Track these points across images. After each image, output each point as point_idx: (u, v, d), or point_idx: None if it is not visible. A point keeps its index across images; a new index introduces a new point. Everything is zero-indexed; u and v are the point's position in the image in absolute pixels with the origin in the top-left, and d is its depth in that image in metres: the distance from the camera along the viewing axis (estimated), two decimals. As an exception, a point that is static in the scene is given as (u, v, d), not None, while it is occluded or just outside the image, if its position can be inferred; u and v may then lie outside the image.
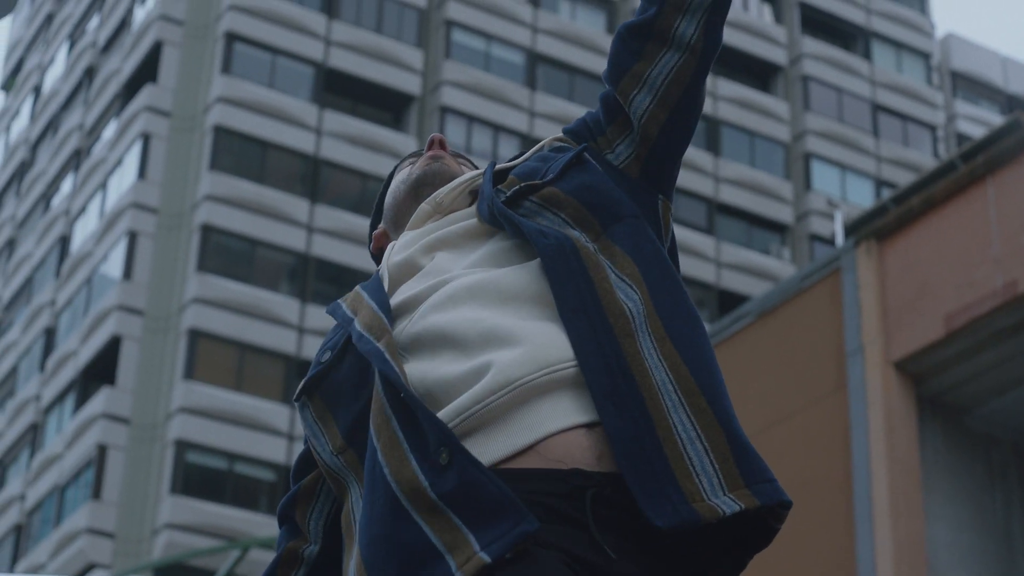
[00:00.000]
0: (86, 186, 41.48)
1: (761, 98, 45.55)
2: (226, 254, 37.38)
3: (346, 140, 39.49)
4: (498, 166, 2.45)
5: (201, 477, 35.17)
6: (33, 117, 48.04)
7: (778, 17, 47.80)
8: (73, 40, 46.85)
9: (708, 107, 44.19)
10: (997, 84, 51.65)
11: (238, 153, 38.39)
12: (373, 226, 2.65)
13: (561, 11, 44.43)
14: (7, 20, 54.29)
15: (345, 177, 39.38)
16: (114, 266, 38.09)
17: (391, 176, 2.63)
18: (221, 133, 38.31)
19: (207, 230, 37.24)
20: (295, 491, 2.40)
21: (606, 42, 42.20)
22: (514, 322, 2.14)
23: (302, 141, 39.02)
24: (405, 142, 39.84)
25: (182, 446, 35.02)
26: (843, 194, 45.04)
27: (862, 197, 44.94)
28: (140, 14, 41.92)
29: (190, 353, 35.90)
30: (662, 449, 2.04)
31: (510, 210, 2.30)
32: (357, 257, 37.82)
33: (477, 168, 2.61)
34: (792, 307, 12.86)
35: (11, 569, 37.73)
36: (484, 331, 2.14)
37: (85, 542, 34.52)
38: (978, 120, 49.72)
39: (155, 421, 35.79)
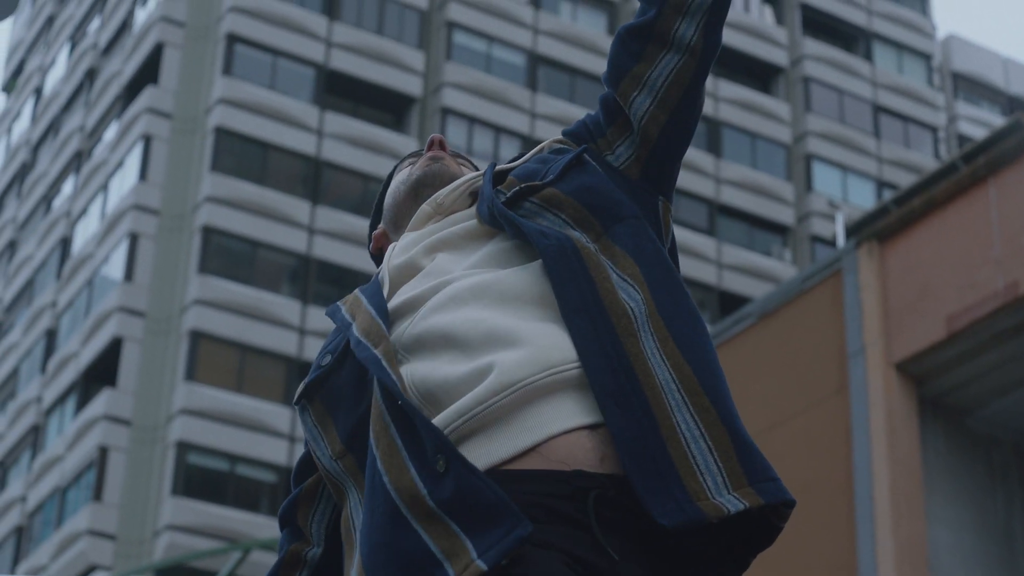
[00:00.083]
0: (87, 188, 41.49)
1: (762, 99, 45.55)
2: (227, 255, 37.39)
3: (347, 142, 39.50)
4: (498, 167, 2.45)
5: (202, 479, 35.16)
6: (34, 119, 48.05)
7: (779, 18, 47.81)
8: (74, 42, 46.87)
9: (709, 108, 44.18)
10: (998, 85, 51.64)
11: (239, 155, 38.40)
12: (373, 226, 2.65)
13: (562, 12, 44.44)
14: (8, 22, 54.30)
15: (346, 178, 39.39)
16: (115, 268, 38.09)
17: (391, 176, 2.62)
18: (222, 135, 38.32)
19: (208, 231, 37.25)
20: (296, 494, 2.40)
21: (607, 43, 42.19)
22: (516, 323, 2.14)
23: (303, 143, 39.03)
24: (406, 143, 39.84)
25: (183, 447, 35.02)
26: (844, 195, 45.04)
27: (863, 198, 44.93)
28: (141, 16, 41.92)
29: (191, 355, 35.90)
30: (666, 448, 2.04)
31: (510, 211, 2.30)
32: (358, 258, 37.82)
33: (477, 168, 2.61)
34: (793, 308, 12.86)
35: (12, 571, 37.72)
36: (486, 332, 2.14)
37: (86, 544, 34.52)
38: (979, 121, 49.71)
39: (156, 423, 35.79)
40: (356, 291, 2.35)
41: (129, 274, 37.31)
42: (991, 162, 11.56)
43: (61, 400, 39.08)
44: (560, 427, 2.06)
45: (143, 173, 38.39)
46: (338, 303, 2.36)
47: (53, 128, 46.13)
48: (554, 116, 41.79)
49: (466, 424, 2.06)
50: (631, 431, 2.04)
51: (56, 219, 42.80)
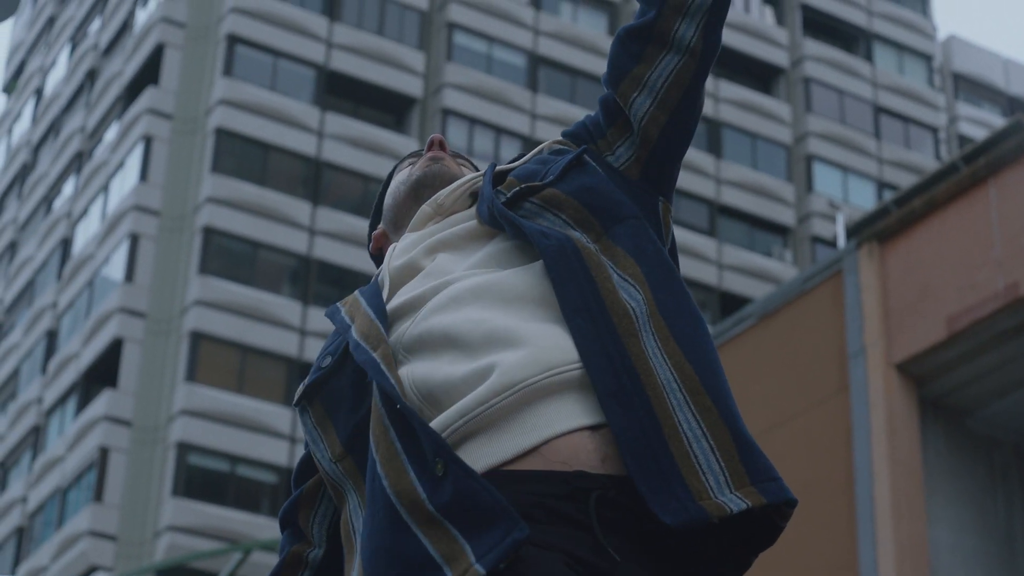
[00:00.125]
0: (88, 189, 41.50)
1: (763, 100, 45.55)
2: (228, 256, 37.39)
3: (348, 142, 39.50)
4: (498, 168, 2.45)
5: (203, 479, 35.16)
6: (35, 120, 48.06)
7: (780, 19, 47.81)
8: (75, 43, 46.87)
9: (710, 109, 44.18)
10: (999, 86, 51.64)
11: (240, 155, 38.40)
12: (372, 226, 2.65)
13: (562, 13, 44.44)
14: (9, 23, 54.33)
15: (347, 179, 39.39)
16: (116, 268, 38.09)
17: (390, 176, 2.62)
18: (223, 135, 38.32)
19: (209, 232, 37.25)
20: (297, 495, 2.40)
21: (607, 44, 42.17)
22: (518, 323, 2.15)
23: (304, 143, 39.03)
24: (407, 144, 39.84)
25: (184, 448, 35.02)
26: (845, 196, 45.03)
27: (864, 199, 44.93)
28: (142, 16, 41.93)
29: (192, 355, 35.90)
30: (668, 447, 2.05)
31: (510, 211, 2.30)
32: (359, 259, 37.83)
33: (477, 169, 2.61)
34: (794, 309, 12.86)
35: (13, 572, 37.73)
36: (488, 332, 2.14)
37: (87, 545, 34.52)
38: (980, 122, 49.70)
39: (157, 423, 35.79)
40: (355, 293, 2.35)
41: (130, 275, 37.31)
42: (992, 163, 11.56)
43: (62, 401, 39.08)
44: (561, 428, 2.06)
45: (144, 174, 38.39)
46: (337, 304, 2.36)
47: (54, 129, 46.13)
48: (555, 117, 41.79)
49: (467, 425, 2.07)
50: (633, 430, 2.04)
51: (57, 220, 42.81)
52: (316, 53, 40.09)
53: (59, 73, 47.30)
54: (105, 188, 40.40)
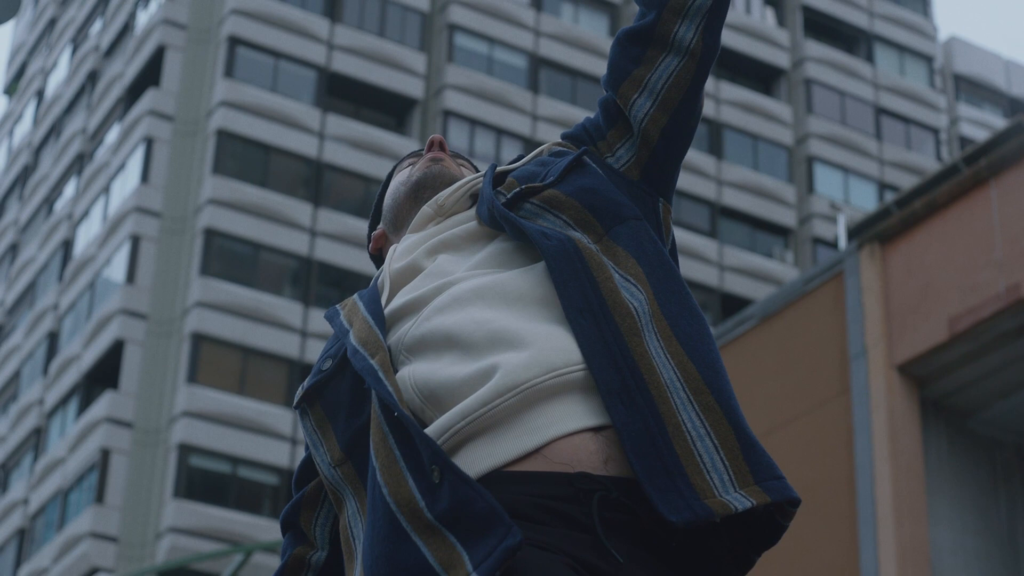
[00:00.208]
0: (89, 190, 41.50)
1: (764, 101, 45.54)
2: (229, 258, 37.39)
3: (349, 144, 39.51)
4: (498, 169, 2.45)
5: (204, 481, 35.16)
6: (36, 121, 48.06)
7: (781, 20, 47.80)
8: (76, 44, 46.88)
9: (711, 110, 44.19)
10: (1000, 87, 51.63)
11: (241, 157, 38.41)
12: (372, 227, 2.64)
13: (563, 14, 44.44)
14: (10, 24, 54.36)
15: (348, 181, 39.39)
16: (117, 270, 38.10)
17: (390, 176, 2.62)
18: (224, 137, 38.33)
19: (210, 234, 37.26)
20: (299, 498, 2.40)
21: (608, 45, 42.04)
22: (521, 324, 2.15)
23: (305, 145, 39.04)
24: (408, 146, 39.84)
25: (185, 450, 35.02)
26: (846, 197, 45.03)
27: (865, 200, 44.92)
28: (143, 18, 41.94)
29: (193, 357, 35.90)
30: (672, 446, 2.05)
31: (511, 212, 2.30)
32: (360, 261, 37.83)
33: (477, 169, 2.61)
34: (795, 310, 12.86)
35: (14, 573, 37.73)
36: (490, 333, 2.14)
37: (88, 546, 34.51)
38: (981, 123, 49.69)
39: (158, 425, 35.79)
40: (354, 296, 2.35)
41: (131, 276, 37.32)
42: (993, 164, 11.55)
43: (63, 402, 39.08)
44: (564, 429, 2.06)
45: (145, 175, 38.40)
46: (337, 307, 2.35)
47: (55, 131, 46.14)
48: (556, 118, 41.79)
49: (470, 426, 2.07)
50: (637, 429, 2.04)
51: (58, 221, 42.81)
52: (317, 55, 40.09)
53: (60, 75, 47.31)
54: (106, 190, 40.41)
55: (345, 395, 2.23)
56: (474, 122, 41.12)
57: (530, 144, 40.76)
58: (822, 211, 44.36)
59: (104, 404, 35.98)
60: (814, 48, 46.95)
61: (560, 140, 2.49)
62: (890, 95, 47.42)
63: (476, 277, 2.24)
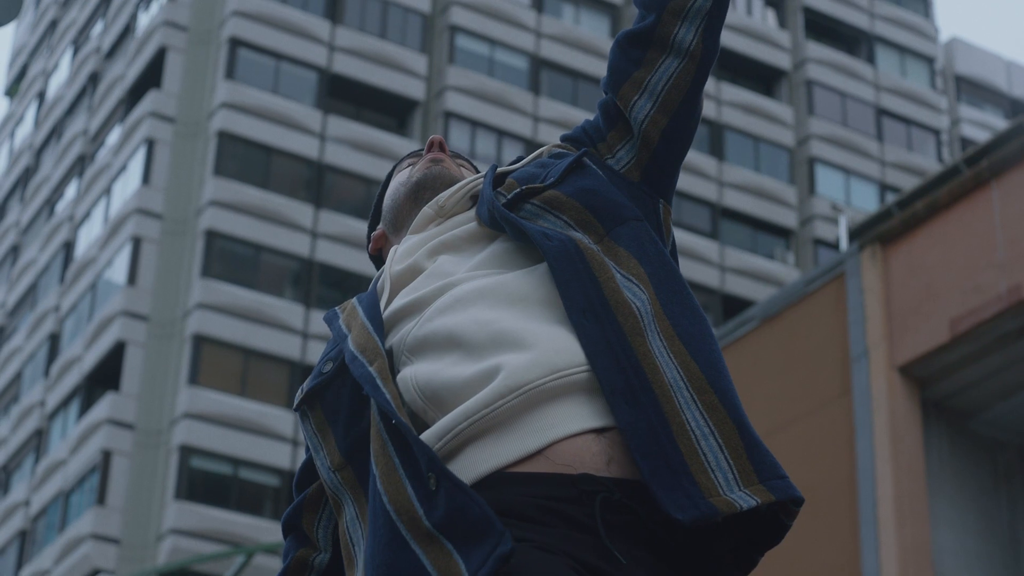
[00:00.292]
0: (90, 192, 41.51)
1: (765, 103, 45.55)
2: (230, 259, 37.40)
3: (350, 145, 39.52)
4: (499, 170, 2.45)
5: (206, 482, 35.17)
6: (37, 123, 48.08)
7: (782, 22, 47.80)
8: (77, 46, 46.89)
9: (712, 111, 44.20)
10: (1001, 88, 51.63)
11: (242, 158, 38.42)
12: (371, 227, 2.64)
13: (564, 16, 44.45)
14: (11, 26, 54.30)
15: (349, 182, 39.40)
16: (118, 272, 38.11)
17: (389, 176, 2.62)
18: (225, 138, 38.34)
19: (211, 235, 37.27)
20: (301, 500, 2.40)
21: (609, 46, 42.05)
22: (524, 325, 2.15)
23: (306, 146, 39.05)
24: (409, 147, 39.85)
25: (187, 451, 35.03)
26: (847, 198, 45.03)
27: (866, 201, 44.92)
28: (144, 20, 41.95)
29: (194, 358, 35.91)
30: (677, 445, 2.05)
31: (511, 213, 2.30)
32: (361, 262, 37.84)
33: (477, 170, 2.61)
34: (796, 312, 12.85)
35: (16, 575, 37.73)
36: (493, 334, 2.14)
37: (90, 548, 34.52)
38: (982, 124, 49.69)
39: (160, 427, 35.79)
40: (353, 300, 2.34)
41: (132, 278, 37.32)
42: (994, 165, 11.55)
43: (64, 404, 39.09)
44: (567, 430, 2.06)
45: (146, 177, 38.41)
46: (336, 309, 2.35)
47: (56, 132, 46.16)
48: (557, 119, 41.80)
49: (472, 427, 2.07)
50: (641, 428, 2.05)
51: (59, 223, 42.82)
52: (318, 56, 40.10)
53: (61, 76, 47.32)
54: (107, 191, 40.42)
55: (346, 399, 2.22)
56: (475, 123, 41.13)
57: (531, 145, 40.75)
58: (823, 212, 44.36)
59: (105, 406, 35.99)
60: (815, 49, 46.95)
61: (560, 142, 2.49)
62: (891, 96, 47.42)
63: (478, 278, 2.24)
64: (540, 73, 42.95)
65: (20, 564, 38.14)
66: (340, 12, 40.96)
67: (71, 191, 43.36)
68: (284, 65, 39.73)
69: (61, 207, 43.68)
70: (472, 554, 1.94)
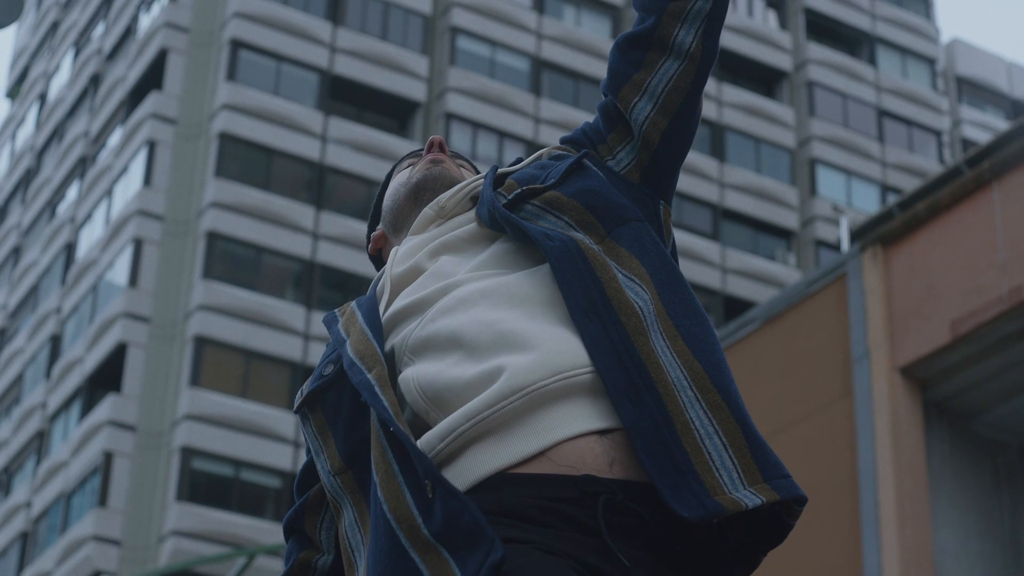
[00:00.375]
0: (92, 193, 41.52)
1: (766, 104, 45.54)
2: (232, 261, 37.40)
3: (351, 147, 39.52)
4: (499, 170, 2.45)
5: (207, 484, 35.17)
6: (38, 124, 48.09)
7: (783, 23, 47.80)
8: (78, 48, 46.90)
9: (713, 113, 44.19)
10: (1002, 89, 51.62)
11: (243, 160, 38.42)
12: (371, 227, 2.64)
13: (566, 18, 44.45)
14: (12, 28, 54.30)
15: (350, 184, 39.40)
16: (120, 273, 38.11)
17: (389, 176, 2.61)
18: (226, 140, 38.34)
19: (213, 237, 37.27)
20: (303, 502, 2.40)
21: (610, 48, 42.13)
22: (526, 326, 2.15)
23: (307, 148, 39.05)
24: (410, 149, 39.62)
25: (188, 453, 35.03)
26: (848, 200, 45.02)
27: (867, 203, 44.91)
28: (145, 21, 41.96)
29: (196, 360, 35.91)
30: (681, 443, 2.05)
31: (512, 213, 2.30)
32: (362, 264, 37.84)
33: (477, 170, 2.61)
34: (798, 313, 12.85)
35: (17, 576, 37.74)
36: (496, 335, 2.14)
37: (91, 549, 34.52)
38: (983, 125, 49.68)
39: (161, 428, 35.79)
40: (352, 304, 2.34)
41: (134, 280, 37.33)
42: (995, 166, 11.55)
43: (66, 406, 39.09)
44: (569, 432, 2.06)
45: (147, 179, 38.41)
46: (335, 312, 2.35)
47: (57, 134, 46.16)
48: (558, 121, 41.80)
49: (474, 428, 2.07)
50: (646, 427, 2.05)
51: (60, 225, 42.83)
52: (320, 58, 40.11)
53: (63, 78, 47.33)
54: (109, 193, 40.43)
55: (346, 403, 2.22)
56: (476, 125, 41.13)
57: (532, 147, 40.75)
58: (824, 213, 44.35)
59: (107, 407, 35.99)
60: (816, 50, 46.95)
61: (560, 144, 2.50)
62: (892, 97, 47.41)
63: (481, 279, 2.24)
64: (541, 74, 42.95)
65: (22, 566, 38.14)
66: (341, 14, 40.97)
67: (72, 193, 43.37)
68: (285, 67, 39.74)
69: (62, 209, 43.69)
70: (466, 562, 1.94)
